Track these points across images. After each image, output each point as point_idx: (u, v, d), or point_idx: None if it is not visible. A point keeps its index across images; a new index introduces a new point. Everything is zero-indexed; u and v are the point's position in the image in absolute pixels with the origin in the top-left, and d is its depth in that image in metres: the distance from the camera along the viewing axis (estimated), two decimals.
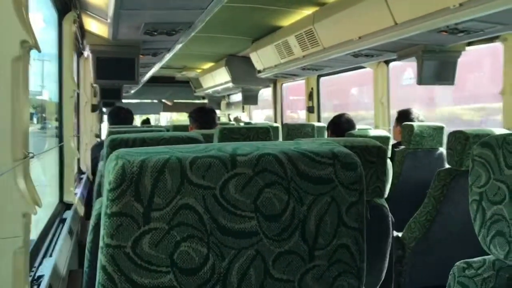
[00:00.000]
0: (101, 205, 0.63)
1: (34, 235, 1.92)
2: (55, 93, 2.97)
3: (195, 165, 0.60)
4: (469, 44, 3.08)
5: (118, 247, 0.59)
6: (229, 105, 9.09)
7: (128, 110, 4.17)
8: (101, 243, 0.59)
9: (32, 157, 1.26)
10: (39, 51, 1.27)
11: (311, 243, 0.64)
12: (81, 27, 3.51)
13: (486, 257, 0.80)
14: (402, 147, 2.99)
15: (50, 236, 2.15)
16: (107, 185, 0.59)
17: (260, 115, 8.02)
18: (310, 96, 5.41)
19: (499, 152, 0.78)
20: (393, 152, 3.00)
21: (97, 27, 3.28)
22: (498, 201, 0.76)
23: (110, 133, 2.02)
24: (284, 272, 0.64)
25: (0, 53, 1.11)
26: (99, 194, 1.97)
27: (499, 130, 2.16)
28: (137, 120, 9.69)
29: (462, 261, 0.82)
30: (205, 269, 0.61)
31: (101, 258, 0.59)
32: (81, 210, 3.04)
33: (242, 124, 5.21)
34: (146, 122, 9.00)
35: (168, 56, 3.98)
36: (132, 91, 7.69)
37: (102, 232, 0.59)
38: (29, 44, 1.17)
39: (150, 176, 0.59)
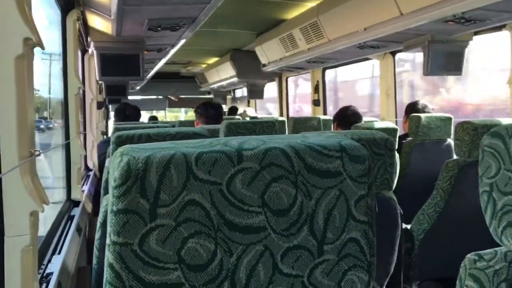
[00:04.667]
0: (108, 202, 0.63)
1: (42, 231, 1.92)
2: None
3: (201, 160, 0.60)
4: (476, 33, 3.05)
5: (125, 245, 0.58)
6: (234, 99, 9.07)
7: (135, 107, 4.17)
8: (108, 241, 0.59)
9: (38, 155, 1.26)
10: (43, 48, 1.26)
11: (320, 238, 0.63)
12: (85, 24, 3.50)
13: (497, 248, 0.79)
14: (409, 138, 2.97)
15: (58, 233, 2.15)
16: (113, 182, 0.58)
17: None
18: (315, 89, 5.39)
19: (509, 141, 0.76)
20: (400, 144, 2.98)
21: (101, 24, 3.27)
22: (509, 191, 0.75)
23: (115, 129, 2.01)
24: (293, 267, 0.63)
25: (3, 51, 1.10)
26: (107, 191, 1.97)
27: (508, 120, 2.14)
28: (145, 117, 9.65)
29: (473, 253, 0.80)
30: (213, 265, 0.60)
31: (108, 256, 0.59)
32: (89, 207, 3.05)
33: (248, 119, 5.20)
34: (153, 119, 8.99)
35: (172, 52, 3.97)
36: (138, 88, 7.69)
37: (108, 229, 0.59)
38: (33, 42, 1.16)
39: (156, 172, 0.58)
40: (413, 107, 3.38)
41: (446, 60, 3.10)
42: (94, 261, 1.39)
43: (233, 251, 0.61)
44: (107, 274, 0.59)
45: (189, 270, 0.60)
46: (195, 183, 0.59)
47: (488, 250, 0.80)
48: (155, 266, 0.59)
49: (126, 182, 0.58)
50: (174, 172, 0.59)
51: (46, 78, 3.15)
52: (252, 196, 0.61)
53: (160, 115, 10.59)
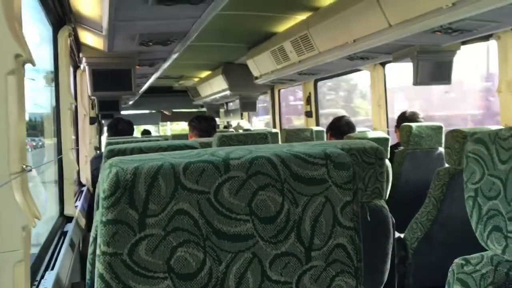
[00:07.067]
0: None
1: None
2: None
3: (189, 170, 0.61)
4: (464, 43, 3.09)
5: (114, 255, 0.59)
6: (227, 113, 9.09)
7: (127, 122, 4.17)
8: (98, 251, 0.60)
9: (30, 170, 1.27)
10: (34, 64, 1.27)
11: (307, 244, 0.64)
12: (76, 40, 3.52)
13: (484, 253, 0.80)
14: (401, 147, 3.00)
15: (51, 249, 2.14)
16: (102, 193, 0.59)
17: None
18: (307, 101, 5.41)
19: (492, 147, 0.78)
20: (392, 153, 3.00)
21: (92, 39, 3.29)
22: (494, 196, 0.76)
23: (108, 144, 2.02)
24: (281, 274, 0.64)
25: None
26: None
27: (497, 128, 2.16)
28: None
29: (460, 257, 0.82)
30: (203, 274, 0.61)
31: (98, 267, 0.59)
32: (82, 223, 3.04)
33: (241, 131, 5.21)
34: (146, 133, 8.99)
35: (164, 66, 3.99)
36: (130, 102, 7.70)
37: (98, 240, 0.60)
38: (23, 58, 1.17)
39: (144, 183, 0.59)
40: (402, 117, 3.43)
41: (435, 69, 3.14)
42: (88, 276, 1.38)
43: (222, 259, 0.62)
44: (97, 284, 0.59)
45: (178, 279, 0.60)
46: (183, 192, 0.60)
47: (475, 255, 0.81)
48: (144, 275, 0.59)
49: (115, 193, 0.59)
50: (162, 182, 0.60)
51: None
52: (240, 205, 0.62)
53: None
